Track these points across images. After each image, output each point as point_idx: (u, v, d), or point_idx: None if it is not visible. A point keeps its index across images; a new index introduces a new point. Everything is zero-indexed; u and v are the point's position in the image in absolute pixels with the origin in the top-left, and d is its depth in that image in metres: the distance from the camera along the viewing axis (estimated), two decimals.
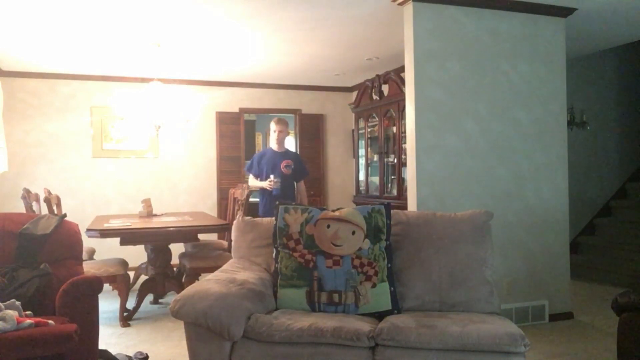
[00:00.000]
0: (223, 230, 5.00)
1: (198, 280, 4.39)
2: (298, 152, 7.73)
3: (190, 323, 2.34)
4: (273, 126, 5.00)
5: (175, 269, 5.07)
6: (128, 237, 4.33)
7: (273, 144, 5.05)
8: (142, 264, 5.00)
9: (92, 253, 4.96)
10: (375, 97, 6.22)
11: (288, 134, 5.15)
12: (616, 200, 6.66)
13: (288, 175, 4.93)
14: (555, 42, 4.30)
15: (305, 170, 5.22)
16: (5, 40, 4.88)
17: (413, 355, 2.23)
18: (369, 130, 6.58)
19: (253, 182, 5.01)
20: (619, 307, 2.76)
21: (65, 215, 3.31)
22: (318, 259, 2.64)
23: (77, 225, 3.25)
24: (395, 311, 2.60)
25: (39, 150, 6.37)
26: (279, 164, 4.92)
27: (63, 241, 3.12)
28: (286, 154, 5.06)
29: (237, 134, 7.26)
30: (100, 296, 2.81)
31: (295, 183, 5.06)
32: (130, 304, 4.55)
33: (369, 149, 6.63)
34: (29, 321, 2.40)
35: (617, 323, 2.79)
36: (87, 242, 3.87)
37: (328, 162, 7.80)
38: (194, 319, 2.29)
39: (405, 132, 4.46)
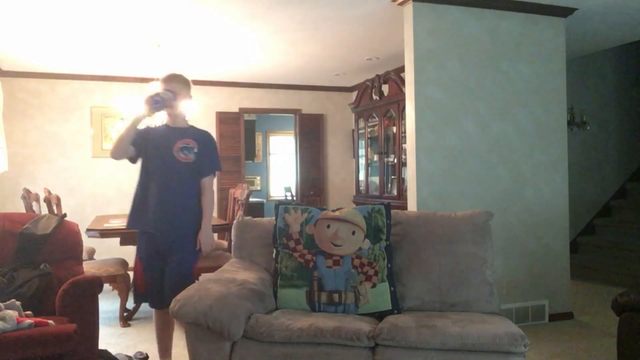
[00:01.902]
0: (223, 230, 5.00)
1: (198, 280, 4.38)
2: (298, 152, 7.77)
3: (190, 323, 2.34)
4: (160, 88, 3.00)
5: None
6: (128, 237, 4.33)
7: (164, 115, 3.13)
8: None
9: (92, 253, 4.96)
10: (375, 97, 6.22)
11: (190, 98, 3.11)
12: (616, 200, 6.66)
13: (187, 164, 2.98)
14: (555, 42, 4.30)
15: (217, 162, 3.15)
16: (5, 40, 4.88)
17: (413, 355, 2.23)
18: (369, 130, 6.58)
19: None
20: (619, 307, 2.76)
21: (65, 215, 3.31)
22: (318, 259, 2.64)
23: (77, 225, 3.25)
24: (395, 311, 2.60)
25: (39, 150, 6.38)
26: (172, 144, 2.98)
27: (63, 241, 3.12)
28: (186, 131, 3.07)
29: (237, 134, 7.26)
30: (100, 296, 2.81)
31: (200, 180, 3.06)
32: (130, 304, 4.54)
33: (369, 149, 6.63)
34: (29, 321, 2.40)
35: (617, 323, 2.78)
36: (87, 242, 3.86)
37: (328, 162, 7.80)
38: (194, 319, 2.29)
39: (405, 132, 4.46)
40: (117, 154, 2.98)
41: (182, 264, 2.98)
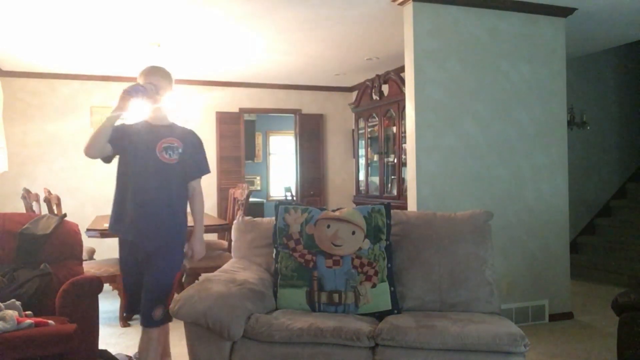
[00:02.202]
0: (223, 230, 5.00)
1: (198, 280, 4.39)
2: (298, 152, 7.77)
3: (190, 323, 2.34)
4: (141, 81, 2.73)
5: None
6: None
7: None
8: None
9: (92, 253, 4.96)
10: (375, 97, 6.21)
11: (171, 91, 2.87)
12: (616, 200, 6.66)
13: (170, 165, 2.68)
14: (555, 42, 4.30)
15: (205, 164, 2.87)
16: (5, 40, 4.88)
17: (413, 355, 2.23)
18: (369, 130, 6.58)
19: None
20: (619, 307, 2.76)
21: (65, 215, 3.32)
22: (318, 259, 2.64)
23: (77, 225, 3.26)
24: (395, 311, 2.60)
25: (39, 150, 6.38)
26: (154, 144, 2.69)
27: (63, 241, 3.12)
28: (169, 129, 2.78)
29: (237, 134, 7.26)
30: (100, 296, 2.82)
31: (188, 183, 2.78)
32: None
33: (369, 149, 6.63)
34: (29, 321, 2.40)
35: (617, 323, 2.79)
36: (87, 242, 3.86)
37: (328, 162, 7.80)
38: (194, 319, 2.29)
39: (405, 132, 4.46)
40: (92, 151, 2.66)
41: (161, 276, 2.59)
